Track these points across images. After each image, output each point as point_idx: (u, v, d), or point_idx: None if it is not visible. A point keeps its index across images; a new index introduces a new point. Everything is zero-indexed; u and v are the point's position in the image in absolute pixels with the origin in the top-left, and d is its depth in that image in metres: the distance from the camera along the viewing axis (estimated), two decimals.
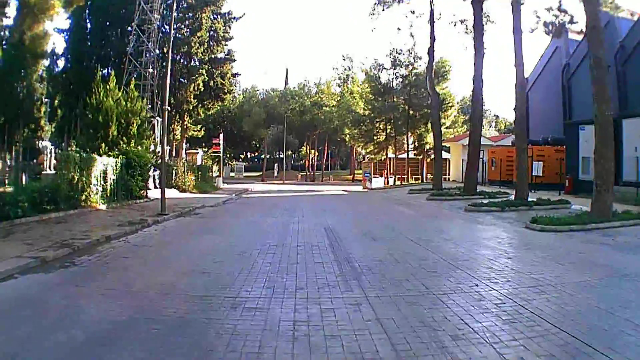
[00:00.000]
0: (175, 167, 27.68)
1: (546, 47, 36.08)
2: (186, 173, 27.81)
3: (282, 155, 68.60)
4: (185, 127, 45.85)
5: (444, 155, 56.01)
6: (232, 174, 66.81)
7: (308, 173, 61.70)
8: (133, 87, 22.79)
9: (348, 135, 52.07)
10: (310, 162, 63.69)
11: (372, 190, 39.77)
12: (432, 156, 50.94)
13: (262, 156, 64.51)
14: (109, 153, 19.20)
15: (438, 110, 33.39)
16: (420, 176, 48.05)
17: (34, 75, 36.50)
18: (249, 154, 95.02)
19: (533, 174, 24.95)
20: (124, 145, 19.71)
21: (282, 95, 60.81)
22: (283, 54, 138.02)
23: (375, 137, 45.73)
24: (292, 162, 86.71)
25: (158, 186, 26.84)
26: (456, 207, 19.26)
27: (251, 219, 15.88)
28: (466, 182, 25.22)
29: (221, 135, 42.69)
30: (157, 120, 40.59)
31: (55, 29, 38.66)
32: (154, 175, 25.87)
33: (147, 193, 20.89)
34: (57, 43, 53.68)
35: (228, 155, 73.47)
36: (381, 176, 44.84)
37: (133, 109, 21.00)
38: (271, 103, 58.71)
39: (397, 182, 44.35)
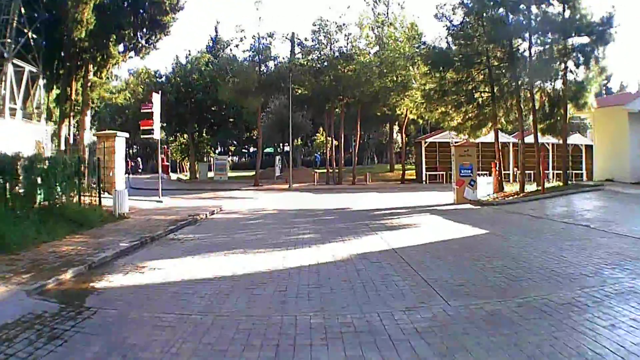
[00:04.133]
0: None
1: None
2: None
3: (287, 146, 46.31)
4: (87, 82, 24.17)
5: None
6: (210, 174, 44.93)
7: (330, 171, 39.50)
8: None
9: (416, 95, 29.30)
10: (333, 155, 41.28)
11: (490, 207, 18.11)
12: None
13: (258, 149, 42.24)
14: None
15: None
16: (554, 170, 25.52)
17: None
18: (250, 149, 72.79)
19: None
20: None
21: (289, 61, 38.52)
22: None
23: (477, 95, 23.27)
24: (303, 155, 64.72)
25: None
26: None
27: None
28: None
29: (156, 99, 21.04)
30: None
31: None
32: None
33: None
34: None
35: (207, 146, 51.85)
36: (481, 173, 22.70)
37: None
38: (266, 54, 36.32)
39: (522, 185, 22.11)
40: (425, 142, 38.00)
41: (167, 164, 53.39)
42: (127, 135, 24.26)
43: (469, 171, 20.91)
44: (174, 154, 58.03)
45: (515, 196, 20.88)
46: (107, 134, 24.93)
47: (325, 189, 32.84)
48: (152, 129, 21.10)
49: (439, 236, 11.03)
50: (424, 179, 37.47)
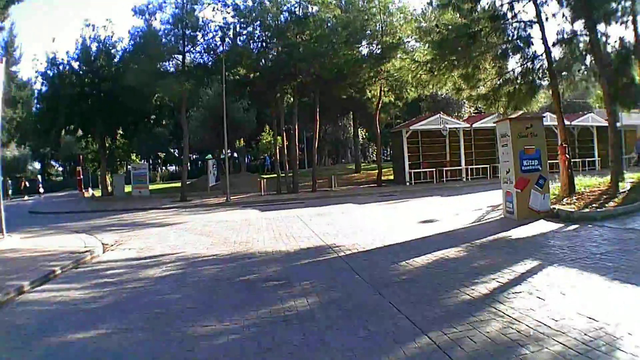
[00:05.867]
0: None
1: None
2: None
3: (226, 150, 35.93)
4: None
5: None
6: (128, 189, 34.43)
7: (281, 177, 29.78)
8: None
9: (414, 53, 19.87)
10: (285, 156, 31.62)
11: (597, 227, 9.01)
12: None
13: (184, 151, 31.39)
14: None
15: None
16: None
17: None
18: (193, 156, 61.91)
19: None
20: None
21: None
22: None
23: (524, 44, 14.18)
24: (250, 159, 54.85)
25: None
26: None
27: None
28: None
29: None
30: None
31: None
32: None
33: None
34: None
35: (125, 154, 41.30)
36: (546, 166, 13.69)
37: None
38: (191, 19, 26.28)
39: (616, 183, 13.34)
40: (408, 132, 28.94)
41: (81, 177, 42.26)
42: None
43: (536, 162, 12.01)
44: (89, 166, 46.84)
45: (611, 202, 12.02)
46: None
47: (277, 202, 23.29)
48: None
49: None
50: (407, 179, 28.53)
